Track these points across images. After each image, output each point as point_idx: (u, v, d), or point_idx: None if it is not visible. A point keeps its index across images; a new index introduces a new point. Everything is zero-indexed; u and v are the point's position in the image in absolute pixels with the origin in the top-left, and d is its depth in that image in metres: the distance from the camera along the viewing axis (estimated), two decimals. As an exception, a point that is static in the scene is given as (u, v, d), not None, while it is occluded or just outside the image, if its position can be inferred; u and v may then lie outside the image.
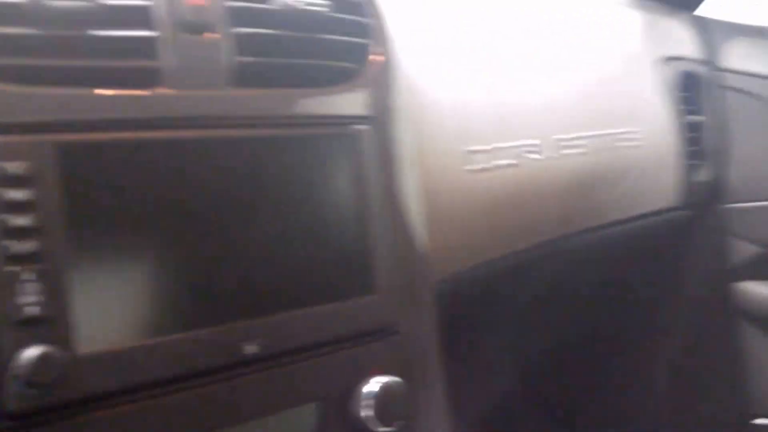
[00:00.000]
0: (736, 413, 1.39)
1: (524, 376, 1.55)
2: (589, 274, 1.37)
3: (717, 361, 1.42)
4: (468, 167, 0.88)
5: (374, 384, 0.66)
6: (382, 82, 0.73)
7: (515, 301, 1.31)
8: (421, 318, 0.74)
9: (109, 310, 0.54)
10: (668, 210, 1.27)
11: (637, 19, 1.28)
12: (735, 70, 1.35)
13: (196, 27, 0.60)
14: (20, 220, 0.50)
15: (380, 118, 0.71)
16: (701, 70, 1.35)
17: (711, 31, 1.39)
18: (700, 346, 1.44)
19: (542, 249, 1.03)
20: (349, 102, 0.69)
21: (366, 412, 0.65)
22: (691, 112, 1.31)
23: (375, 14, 0.73)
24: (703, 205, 1.34)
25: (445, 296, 0.79)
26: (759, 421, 1.37)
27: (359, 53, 0.71)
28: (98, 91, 0.55)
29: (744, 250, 1.34)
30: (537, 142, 0.98)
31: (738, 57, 1.36)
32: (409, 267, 0.72)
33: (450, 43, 0.93)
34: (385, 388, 0.66)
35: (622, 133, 1.13)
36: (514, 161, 0.94)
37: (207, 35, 0.60)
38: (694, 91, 1.32)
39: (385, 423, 0.65)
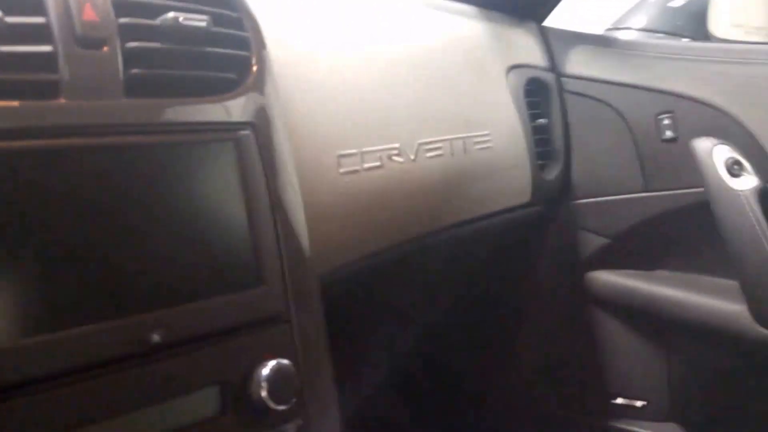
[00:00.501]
0: (599, 394, 1.51)
1: (397, 365, 1.64)
2: (455, 268, 1.48)
3: (577, 345, 1.53)
4: (340, 170, 0.99)
5: (268, 367, 0.74)
6: (260, 90, 0.81)
7: (389, 294, 1.41)
8: (308, 307, 0.82)
9: (19, 305, 0.60)
10: (522, 206, 1.38)
11: (485, 30, 1.38)
12: (576, 75, 1.46)
13: (91, 42, 0.67)
14: None
15: (260, 124, 0.79)
16: (546, 76, 1.45)
17: (554, 40, 1.50)
18: (561, 332, 1.56)
19: (411, 245, 1.14)
20: (232, 109, 0.77)
21: (263, 393, 0.73)
22: (538, 116, 1.42)
23: (253, 28, 0.82)
24: (553, 201, 1.47)
25: (327, 288, 0.88)
26: (619, 400, 1.49)
27: (240, 64, 0.80)
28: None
29: (592, 241, 1.47)
30: (399, 145, 1.09)
31: (579, 63, 1.46)
32: (294, 261, 0.80)
33: (318, 54, 1.02)
34: (276, 371, 0.75)
35: (475, 136, 1.24)
36: (379, 164, 1.05)
37: (101, 49, 0.68)
38: (540, 96, 1.44)
39: (277, 402, 0.74)
